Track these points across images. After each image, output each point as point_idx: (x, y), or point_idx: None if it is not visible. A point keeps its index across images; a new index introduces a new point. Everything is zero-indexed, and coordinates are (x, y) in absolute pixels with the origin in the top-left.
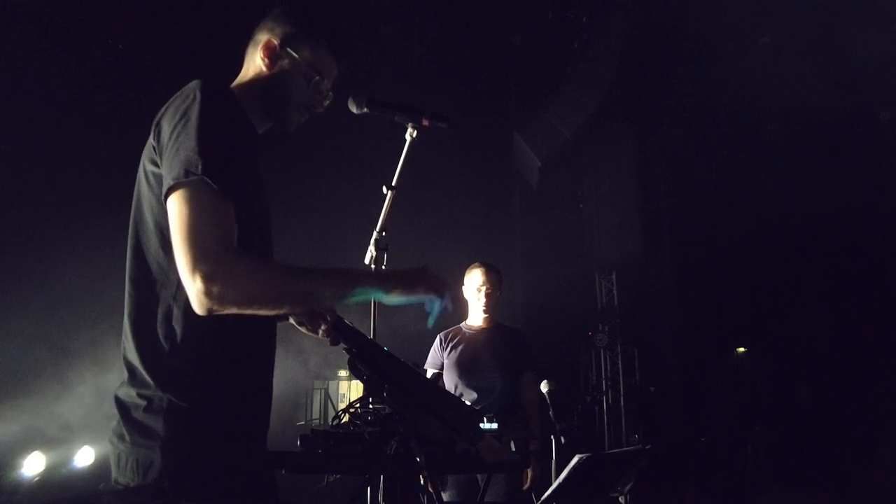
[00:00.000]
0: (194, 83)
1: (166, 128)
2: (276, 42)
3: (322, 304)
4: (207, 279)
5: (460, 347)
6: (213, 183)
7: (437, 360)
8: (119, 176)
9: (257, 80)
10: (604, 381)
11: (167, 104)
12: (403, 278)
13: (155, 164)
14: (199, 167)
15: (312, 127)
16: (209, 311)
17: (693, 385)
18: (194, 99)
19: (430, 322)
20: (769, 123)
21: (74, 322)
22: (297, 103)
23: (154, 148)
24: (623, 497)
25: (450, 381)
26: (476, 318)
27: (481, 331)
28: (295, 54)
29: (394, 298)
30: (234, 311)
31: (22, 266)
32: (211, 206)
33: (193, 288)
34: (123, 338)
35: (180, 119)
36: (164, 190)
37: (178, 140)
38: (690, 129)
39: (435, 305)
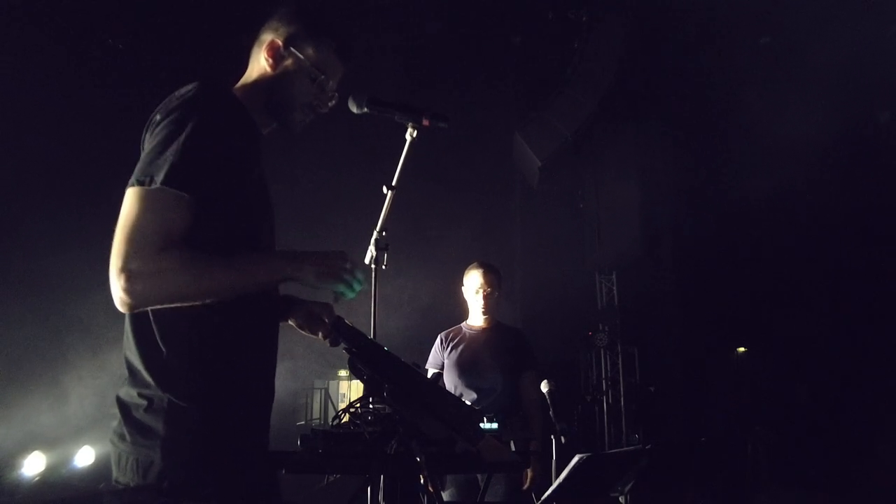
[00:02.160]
0: (191, 85)
1: (153, 127)
2: (279, 42)
3: (241, 294)
4: (132, 278)
5: (461, 347)
6: (175, 191)
7: (438, 359)
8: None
9: (261, 81)
10: (604, 381)
11: (163, 103)
12: (319, 269)
13: None
14: (163, 174)
15: (312, 127)
16: (130, 308)
17: (693, 385)
18: (186, 102)
19: (351, 296)
20: (769, 123)
21: (75, 322)
22: (301, 103)
23: (143, 146)
24: (623, 497)
25: (450, 381)
26: (476, 318)
27: (482, 331)
28: (299, 54)
29: (317, 285)
30: (156, 305)
31: (22, 265)
32: (158, 210)
33: (116, 283)
34: (125, 338)
35: (165, 120)
36: (129, 185)
37: (154, 139)
38: (690, 129)
39: (347, 293)
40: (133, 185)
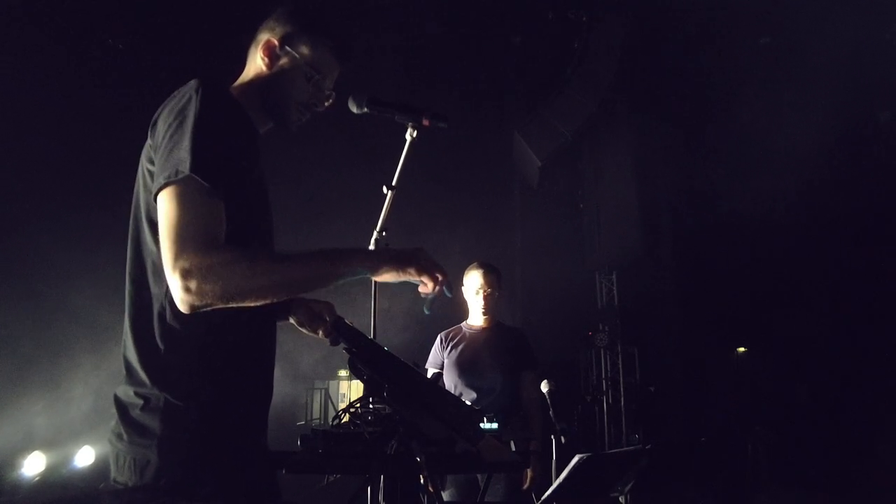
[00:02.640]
0: (192, 83)
1: (161, 127)
2: (276, 41)
3: (310, 291)
4: (186, 276)
5: (460, 347)
6: (202, 181)
7: (438, 359)
8: (120, 175)
9: (257, 80)
10: (604, 381)
11: (164, 103)
12: (395, 258)
13: (151, 162)
14: (189, 165)
15: (312, 127)
16: (191, 307)
17: (693, 385)
18: (190, 98)
19: (426, 308)
20: (769, 123)
21: (75, 321)
22: (297, 102)
23: (150, 146)
24: (623, 497)
25: (450, 381)
26: (476, 317)
27: (482, 330)
28: (294, 53)
29: (385, 278)
30: (219, 305)
31: (22, 265)
32: (197, 204)
33: (174, 284)
34: (124, 336)
35: (175, 118)
36: (156, 188)
37: (171, 139)
38: (690, 129)
39: (430, 291)
40: (164, 186)
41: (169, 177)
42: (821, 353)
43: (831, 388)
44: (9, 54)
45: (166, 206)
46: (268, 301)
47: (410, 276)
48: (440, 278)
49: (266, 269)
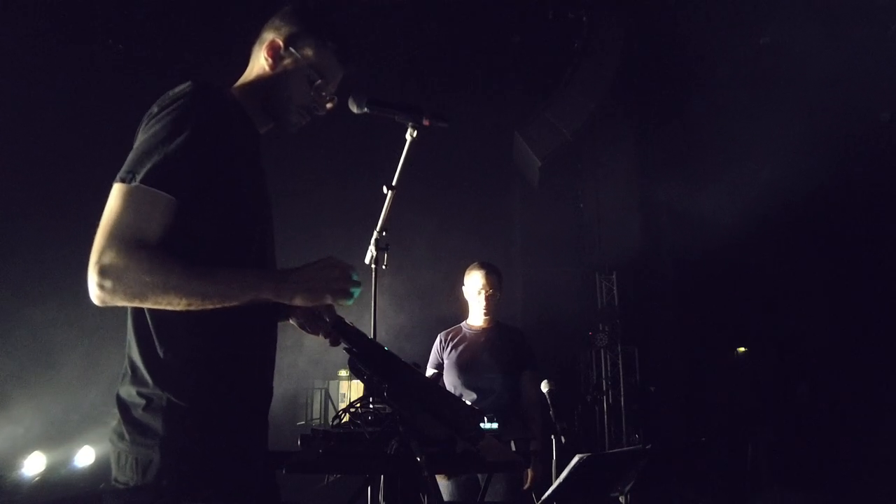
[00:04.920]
0: (184, 85)
1: (143, 124)
2: (280, 42)
3: (221, 305)
4: (103, 273)
5: (460, 347)
6: (155, 190)
7: (437, 359)
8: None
9: (260, 80)
10: (604, 381)
11: (156, 102)
12: (307, 290)
13: None
14: (144, 173)
15: (312, 127)
16: (102, 302)
17: (693, 385)
18: (177, 102)
19: (349, 302)
20: (769, 123)
21: (75, 321)
22: (297, 105)
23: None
24: (623, 497)
25: (450, 381)
26: (476, 318)
27: (482, 331)
28: (298, 55)
29: (302, 304)
30: (125, 304)
31: (22, 265)
32: (136, 207)
33: (91, 278)
34: (128, 336)
35: (155, 119)
36: (116, 180)
37: (141, 137)
38: (691, 129)
39: (350, 298)
40: (117, 181)
41: (123, 177)
42: (821, 353)
43: (831, 388)
44: (9, 54)
45: (111, 200)
46: (181, 309)
47: (327, 301)
48: (354, 290)
49: (177, 280)
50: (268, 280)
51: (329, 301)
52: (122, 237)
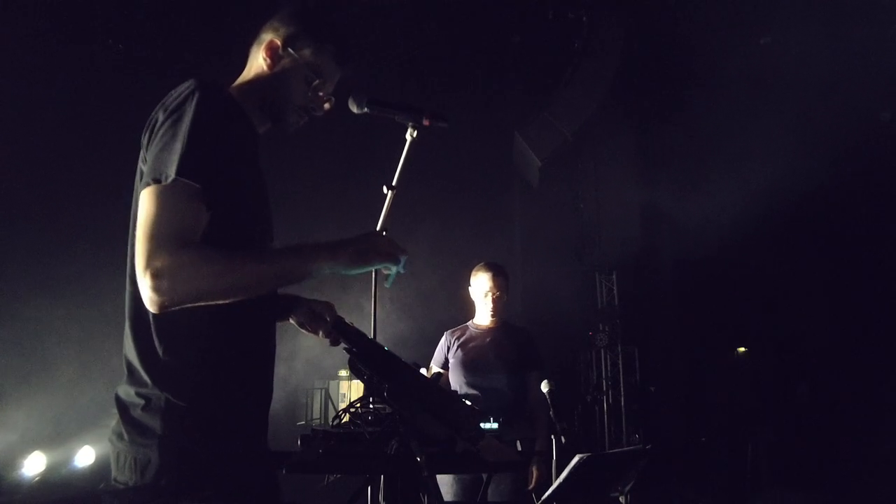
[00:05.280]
0: (188, 83)
1: (155, 127)
2: (278, 42)
3: (280, 287)
4: (157, 275)
5: (467, 346)
6: (188, 182)
7: (443, 358)
8: (120, 176)
9: (258, 80)
10: (604, 381)
11: (160, 103)
12: (357, 252)
13: (145, 161)
14: (176, 168)
15: (312, 127)
16: (161, 307)
17: (693, 385)
18: (186, 99)
19: (388, 283)
20: (769, 123)
21: (75, 321)
22: (295, 105)
23: (145, 147)
24: (623, 497)
25: (455, 380)
26: (483, 317)
27: (488, 330)
28: (296, 55)
29: (353, 270)
30: (188, 305)
31: (21, 265)
32: (177, 205)
33: (143, 284)
34: (124, 336)
35: (167, 118)
36: (142, 187)
37: (162, 139)
38: (691, 129)
39: (392, 270)
40: (149, 185)
41: (154, 176)
42: (821, 353)
43: (831, 388)
44: (9, 54)
45: (146, 205)
46: (234, 299)
47: (376, 264)
48: (401, 258)
49: (236, 268)
50: (322, 248)
51: (378, 265)
52: (169, 237)
